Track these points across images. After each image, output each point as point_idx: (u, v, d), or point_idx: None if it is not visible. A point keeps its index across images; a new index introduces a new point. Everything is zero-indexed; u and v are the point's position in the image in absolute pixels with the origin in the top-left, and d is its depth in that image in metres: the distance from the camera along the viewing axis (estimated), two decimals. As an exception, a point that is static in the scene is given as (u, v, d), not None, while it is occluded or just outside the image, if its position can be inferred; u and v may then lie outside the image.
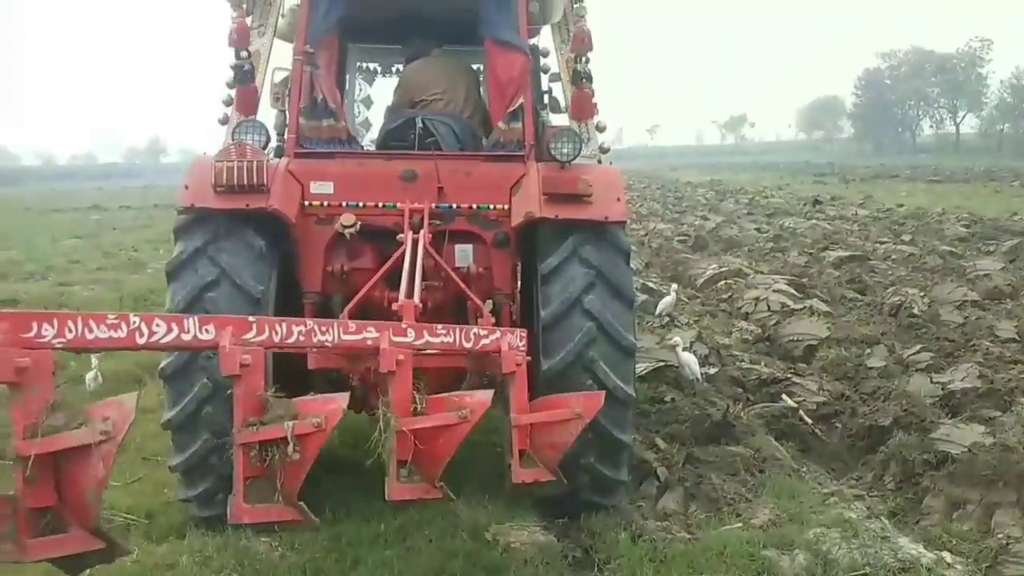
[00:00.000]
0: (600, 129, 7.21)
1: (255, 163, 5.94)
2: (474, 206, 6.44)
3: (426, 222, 6.18)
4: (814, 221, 28.22)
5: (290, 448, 3.95)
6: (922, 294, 14.13)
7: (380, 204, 6.39)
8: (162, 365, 5.95)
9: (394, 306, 5.44)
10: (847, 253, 19.74)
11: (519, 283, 6.92)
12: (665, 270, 19.52)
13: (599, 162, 7.04)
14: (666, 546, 6.04)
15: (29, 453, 3.29)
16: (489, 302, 6.25)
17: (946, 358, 10.17)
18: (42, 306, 15.18)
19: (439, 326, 5.15)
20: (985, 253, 19.64)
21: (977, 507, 6.50)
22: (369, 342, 4.69)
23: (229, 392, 5.29)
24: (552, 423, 5.32)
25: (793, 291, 14.76)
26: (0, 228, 31.28)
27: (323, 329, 4.60)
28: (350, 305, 6.00)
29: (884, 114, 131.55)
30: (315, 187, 6.35)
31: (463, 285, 6.28)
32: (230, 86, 6.67)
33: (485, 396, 4.73)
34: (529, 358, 5.58)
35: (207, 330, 4.07)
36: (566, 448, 5.37)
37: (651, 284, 16.19)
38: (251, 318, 4.31)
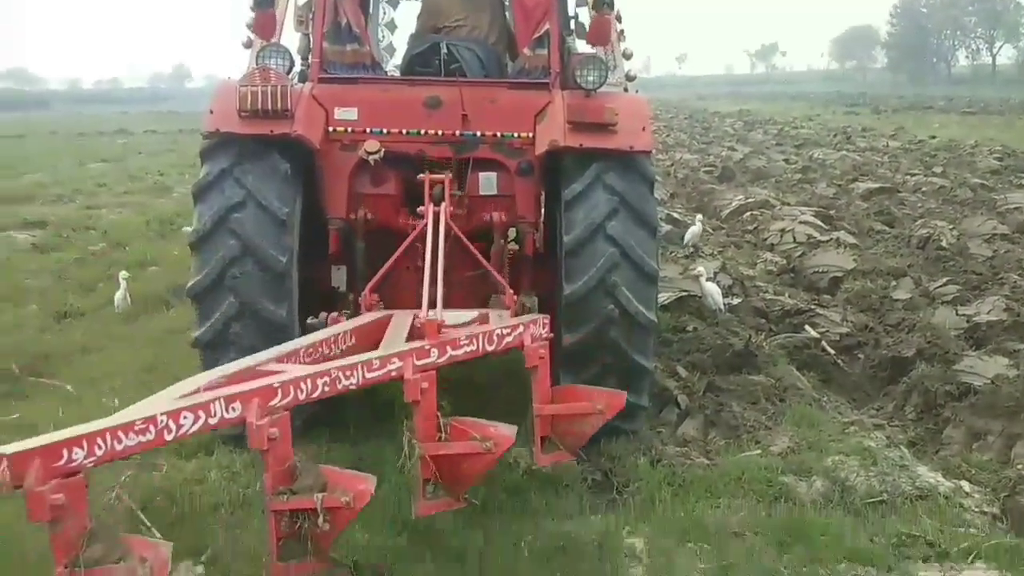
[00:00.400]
0: (627, 57, 7.12)
1: (279, 88, 5.93)
2: (498, 134, 6.40)
3: (447, 194, 6.13)
4: (844, 152, 27.81)
5: (320, 520, 4.04)
6: (951, 227, 13.96)
7: (404, 131, 6.38)
8: (190, 284, 6.04)
9: (416, 322, 5.43)
10: (876, 185, 19.49)
11: (543, 211, 6.92)
12: (691, 201, 19.38)
13: (625, 90, 6.95)
14: (685, 471, 6.12)
15: None
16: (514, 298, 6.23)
17: (972, 291, 10.09)
18: (70, 228, 15.37)
19: (462, 337, 5.23)
20: (1017, 186, 19.31)
21: (997, 438, 6.51)
22: (393, 374, 4.77)
23: (256, 309, 5.66)
24: (574, 415, 5.52)
25: (820, 223, 14.64)
26: (27, 152, 31.44)
27: (347, 374, 4.62)
28: (371, 283, 6.12)
29: (919, 44, 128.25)
30: (339, 113, 6.33)
31: (486, 263, 6.34)
32: (253, 9, 6.60)
33: (510, 431, 4.78)
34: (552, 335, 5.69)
35: (233, 408, 4.06)
36: (586, 437, 5.62)
37: (676, 215, 16.07)
38: (275, 383, 4.28)
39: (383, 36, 9.43)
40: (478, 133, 6.40)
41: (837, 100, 76.02)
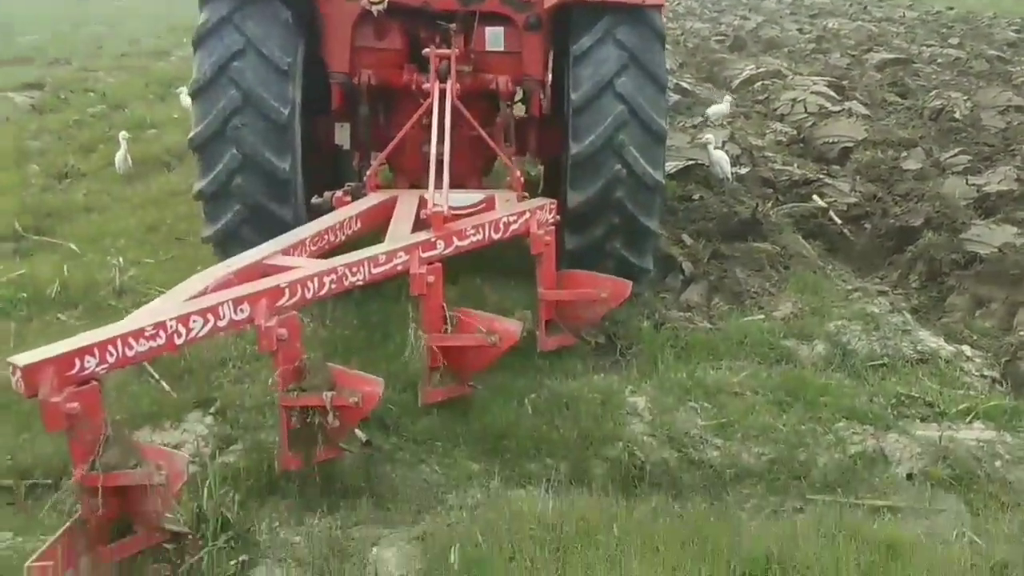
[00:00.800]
0: None
1: None
2: None
3: (453, 70, 5.92)
4: (859, 22, 27.02)
5: (330, 417, 4.11)
6: (965, 98, 13.67)
7: None
8: (191, 135, 5.93)
9: (423, 214, 5.33)
10: (891, 56, 18.99)
11: (551, 71, 6.76)
12: (700, 71, 18.92)
13: None
14: (688, 335, 6.16)
15: (96, 485, 3.48)
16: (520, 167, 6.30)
17: (984, 162, 9.94)
18: (68, 90, 15.09)
19: (469, 227, 5.23)
20: (1034, 59, 18.85)
21: (1001, 305, 6.53)
22: (399, 268, 4.80)
23: (258, 161, 5.57)
24: (578, 301, 5.65)
25: (832, 93, 14.32)
26: (22, 13, 30.62)
27: (353, 270, 4.63)
28: (375, 165, 6.12)
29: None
30: None
31: (490, 142, 6.17)
32: None
33: (515, 326, 4.84)
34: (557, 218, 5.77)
35: (241, 310, 4.07)
36: (590, 323, 5.80)
37: (685, 84, 15.72)
38: (283, 284, 4.29)
39: None
40: None
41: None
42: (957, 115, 12.67)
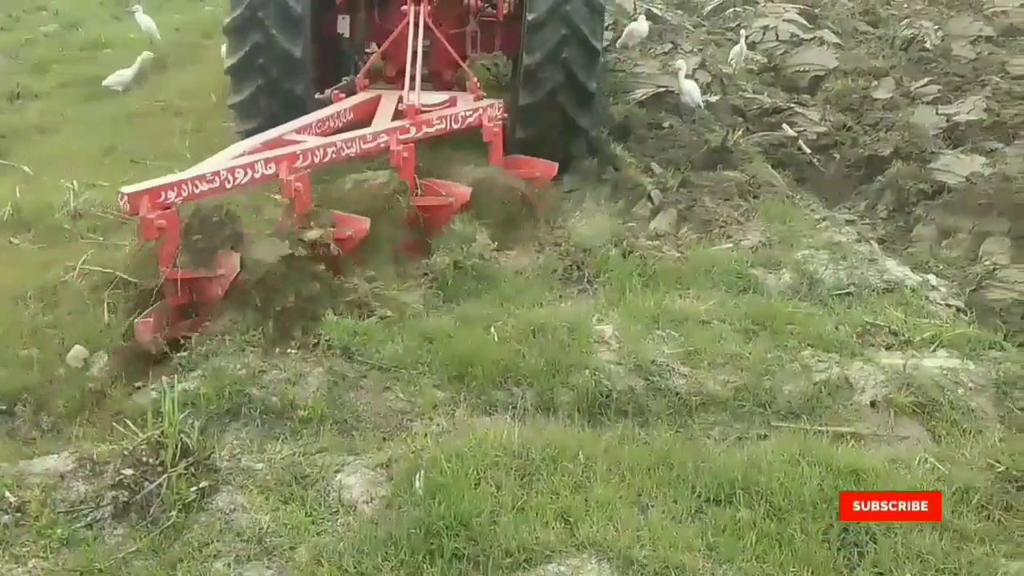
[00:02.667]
0: None
1: None
2: None
3: None
4: (832, -49, 26.69)
5: (331, 247, 5.28)
6: (936, 28, 13.56)
7: None
8: (226, 22, 7.22)
9: (400, 106, 6.71)
10: (863, -16, 18.76)
11: None
12: (671, -3, 18.60)
13: None
14: (656, 263, 6.12)
15: (176, 278, 4.93)
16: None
17: (954, 92, 9.90)
18: (20, 9, 14.55)
19: (435, 118, 6.65)
20: (1006, -12, 18.71)
21: (967, 235, 6.54)
22: (383, 144, 6.18)
23: (277, 45, 7.07)
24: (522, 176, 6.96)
25: (804, 21, 14.15)
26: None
27: (348, 145, 6.04)
28: (363, 70, 7.49)
29: None
30: None
31: (457, 57, 7.53)
32: None
33: (466, 190, 6.23)
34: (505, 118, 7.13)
35: (270, 167, 5.52)
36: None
37: (656, 10, 15.44)
38: (298, 151, 5.71)
39: None
40: None
41: None
42: (928, 45, 12.58)
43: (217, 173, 5.27)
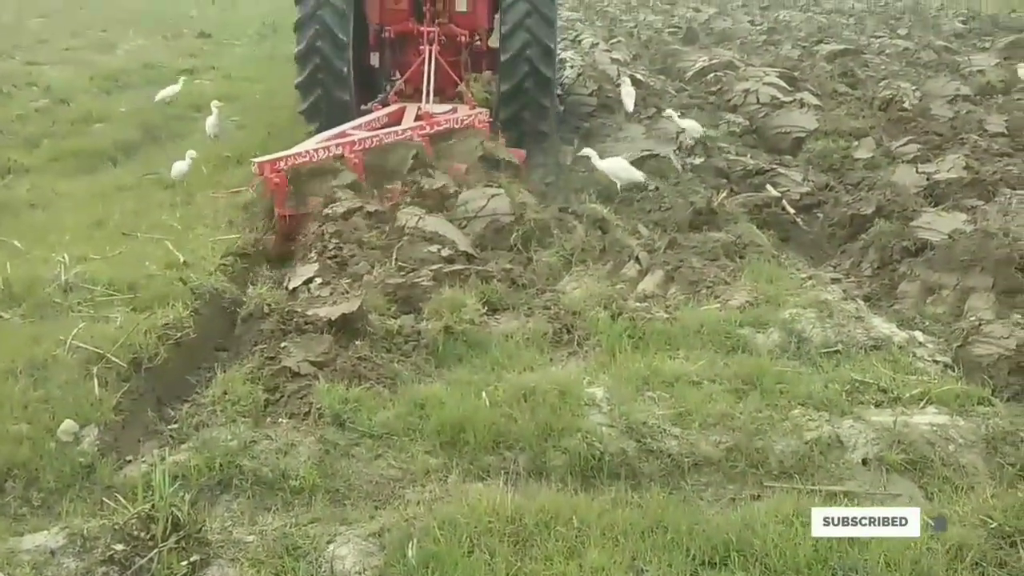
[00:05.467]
0: None
1: None
2: None
3: (435, 37, 10.55)
4: (809, 14, 27.36)
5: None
6: (914, 88, 13.86)
7: None
8: (296, 51, 10.32)
9: (418, 112, 9.71)
10: (841, 47, 19.21)
11: (493, 23, 11.11)
12: (654, 63, 18.99)
13: None
14: (645, 324, 6.14)
15: (284, 215, 7.84)
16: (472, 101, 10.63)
17: (933, 150, 10.08)
18: (11, 84, 14.73)
19: (442, 120, 9.49)
20: (980, 49, 19.16)
21: (952, 292, 6.59)
22: (408, 136, 9.02)
23: (330, 65, 10.23)
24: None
25: (784, 84, 14.43)
26: (-39, 6, 29.82)
27: (387, 136, 8.95)
28: (394, 88, 10.82)
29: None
30: None
31: (453, 74, 10.79)
32: None
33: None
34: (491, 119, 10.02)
35: (339, 148, 8.50)
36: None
37: (640, 76, 15.74)
38: (355, 139, 8.73)
39: None
40: None
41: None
42: (906, 105, 12.83)
43: (308, 151, 8.25)
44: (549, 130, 10.58)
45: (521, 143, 10.24)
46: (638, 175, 9.19)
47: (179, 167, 9.24)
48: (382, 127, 9.42)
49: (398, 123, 9.54)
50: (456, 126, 9.50)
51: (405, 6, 10.69)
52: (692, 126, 10.09)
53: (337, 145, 8.49)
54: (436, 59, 10.32)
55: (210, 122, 10.55)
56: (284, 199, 7.82)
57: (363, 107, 10.39)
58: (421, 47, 10.38)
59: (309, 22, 10.01)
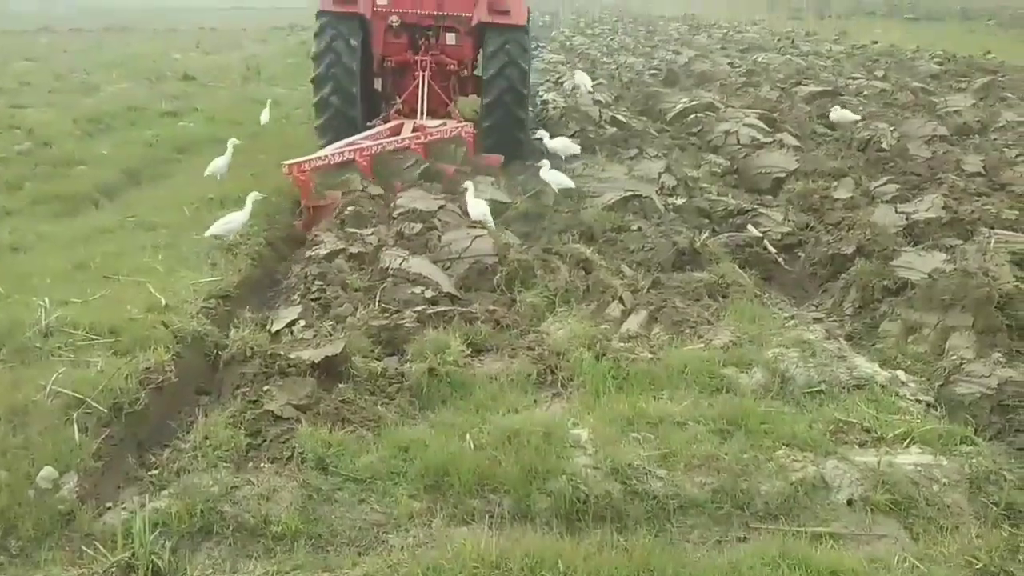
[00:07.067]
0: None
1: None
2: (457, 13, 12.80)
3: (428, 65, 12.75)
4: (788, 56, 27.74)
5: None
6: (892, 128, 14.04)
7: (410, 11, 12.79)
8: (313, 76, 12.36)
9: (415, 126, 11.57)
10: (819, 88, 19.46)
11: (477, 54, 13.15)
12: (636, 104, 19.17)
13: None
14: (629, 365, 6.14)
15: (309, 206, 9.96)
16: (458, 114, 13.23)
17: (912, 190, 10.18)
18: (-7, 128, 14.70)
19: (434, 130, 11.24)
20: (956, 90, 19.47)
21: (933, 331, 6.63)
22: (406, 143, 10.91)
23: (342, 87, 12.09)
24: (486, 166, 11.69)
25: (763, 125, 14.60)
26: (-56, 49, 29.86)
27: (389, 144, 10.82)
28: (394, 108, 12.96)
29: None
30: (379, 0, 12.71)
31: (444, 96, 13.04)
32: None
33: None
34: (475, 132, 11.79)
35: (350, 154, 10.31)
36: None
37: (621, 117, 15.90)
38: (364, 147, 10.58)
39: None
40: (447, 12, 12.86)
41: (782, 5, 75.28)
42: (884, 145, 12.99)
43: (328, 156, 10.14)
44: (524, 138, 12.52)
45: (498, 149, 12.22)
46: (571, 183, 10.72)
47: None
48: (385, 138, 11.26)
49: (398, 135, 11.41)
50: (446, 136, 11.22)
51: (404, 40, 12.84)
52: (564, 145, 11.72)
53: (350, 151, 10.35)
54: (429, 83, 12.37)
55: (221, 161, 10.52)
56: (309, 193, 9.82)
57: (368, 124, 12.56)
58: (416, 73, 12.43)
59: (325, 53, 11.97)
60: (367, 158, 10.46)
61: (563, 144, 11.53)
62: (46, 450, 4.73)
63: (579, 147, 11.92)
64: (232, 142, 10.72)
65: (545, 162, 10.81)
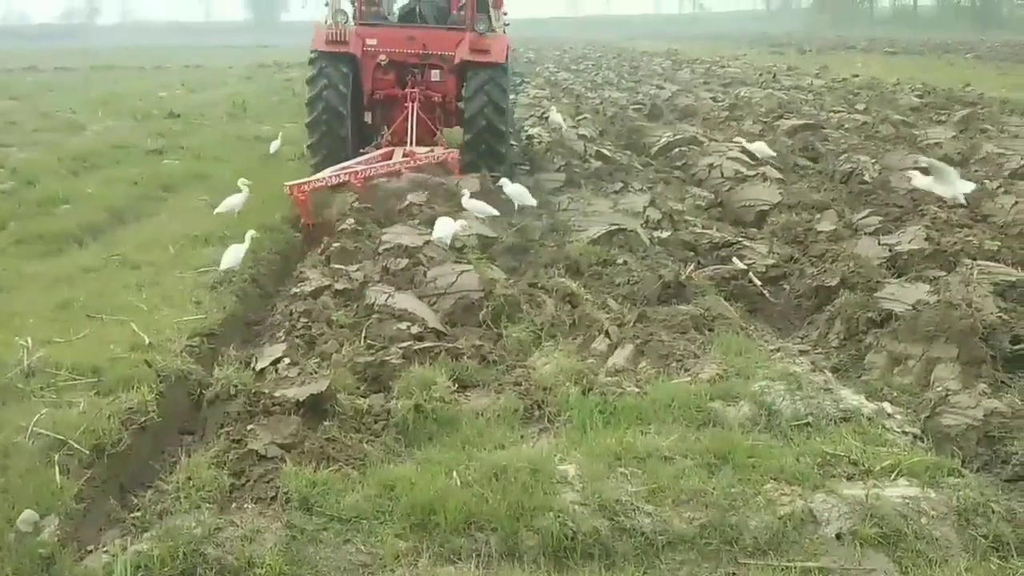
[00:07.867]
0: (504, 13, 14.44)
1: (342, 29, 13.07)
2: (441, 53, 13.63)
3: (417, 95, 13.57)
4: (770, 90, 28.02)
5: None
6: (874, 162, 14.17)
7: (397, 50, 13.57)
8: (308, 120, 13.31)
9: (403, 152, 12.70)
10: (801, 122, 19.63)
11: (460, 89, 13.92)
12: (620, 138, 19.33)
13: (503, 31, 14.18)
14: (616, 399, 6.13)
15: (309, 224, 11.20)
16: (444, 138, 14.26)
17: (894, 222, 10.25)
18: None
19: (423, 156, 12.41)
20: (937, 122, 19.68)
21: (918, 362, 6.64)
22: (397, 167, 12.08)
23: (333, 119, 13.04)
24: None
25: (747, 158, 14.70)
26: (-71, 89, 29.87)
27: (381, 168, 12.01)
28: (384, 136, 13.93)
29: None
30: (369, 41, 13.49)
31: (432, 126, 13.85)
32: None
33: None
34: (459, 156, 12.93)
35: (346, 176, 11.60)
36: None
37: (606, 151, 16.01)
38: (358, 170, 11.79)
39: None
40: (431, 52, 13.65)
41: (763, 41, 76.29)
42: (866, 177, 13.11)
43: (325, 178, 11.26)
44: (502, 170, 12.91)
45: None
46: (532, 200, 11.46)
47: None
48: (378, 162, 12.41)
49: (389, 159, 12.61)
50: (434, 162, 12.41)
51: (391, 77, 13.76)
52: (519, 193, 11.40)
53: (346, 175, 11.56)
54: (417, 114, 13.39)
55: (235, 200, 10.67)
56: (308, 211, 11.05)
57: (361, 151, 13.63)
58: (405, 105, 13.41)
59: (319, 95, 13.00)
60: (361, 180, 11.66)
61: (518, 192, 11.35)
62: (27, 493, 4.67)
63: (535, 201, 11.48)
64: (243, 182, 10.89)
65: (505, 180, 11.53)
